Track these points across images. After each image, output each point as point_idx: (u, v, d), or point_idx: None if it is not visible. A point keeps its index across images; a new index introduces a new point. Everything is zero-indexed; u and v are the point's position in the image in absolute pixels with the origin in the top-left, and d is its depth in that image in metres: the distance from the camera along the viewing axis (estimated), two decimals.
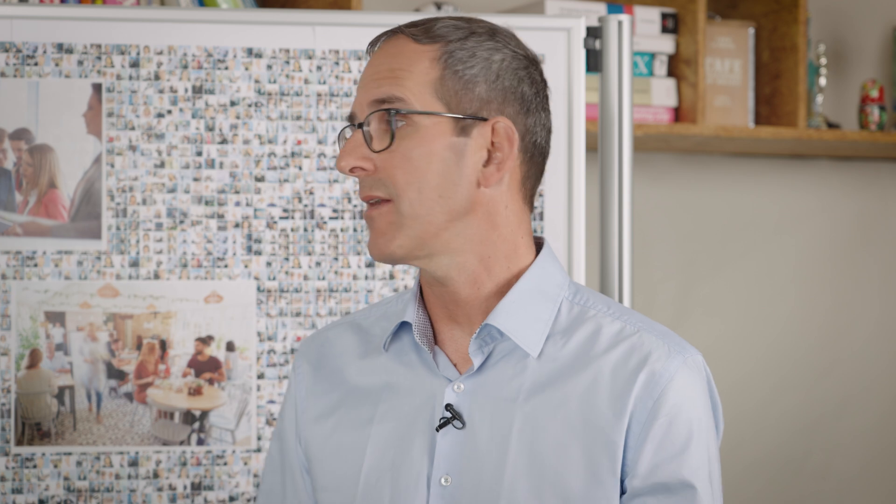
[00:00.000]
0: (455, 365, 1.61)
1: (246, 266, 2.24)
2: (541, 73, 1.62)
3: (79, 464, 2.20)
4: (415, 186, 1.54)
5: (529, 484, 1.55)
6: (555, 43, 2.34)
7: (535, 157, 1.60)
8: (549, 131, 1.62)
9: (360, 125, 1.57)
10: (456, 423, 1.58)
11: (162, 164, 2.23)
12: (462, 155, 1.55)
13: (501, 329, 1.58)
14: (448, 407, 1.59)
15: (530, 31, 2.29)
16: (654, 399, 1.53)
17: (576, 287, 1.64)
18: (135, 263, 2.22)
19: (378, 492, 1.62)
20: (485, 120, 1.56)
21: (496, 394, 1.58)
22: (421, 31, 1.57)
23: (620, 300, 2.36)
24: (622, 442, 1.54)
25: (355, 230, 2.27)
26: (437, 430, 1.59)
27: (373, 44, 1.61)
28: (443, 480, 1.58)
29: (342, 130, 1.63)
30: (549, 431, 1.55)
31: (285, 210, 2.26)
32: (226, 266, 2.24)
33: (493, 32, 1.59)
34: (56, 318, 2.20)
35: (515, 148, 1.56)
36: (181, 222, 2.23)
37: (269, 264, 2.25)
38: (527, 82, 1.59)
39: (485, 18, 1.65)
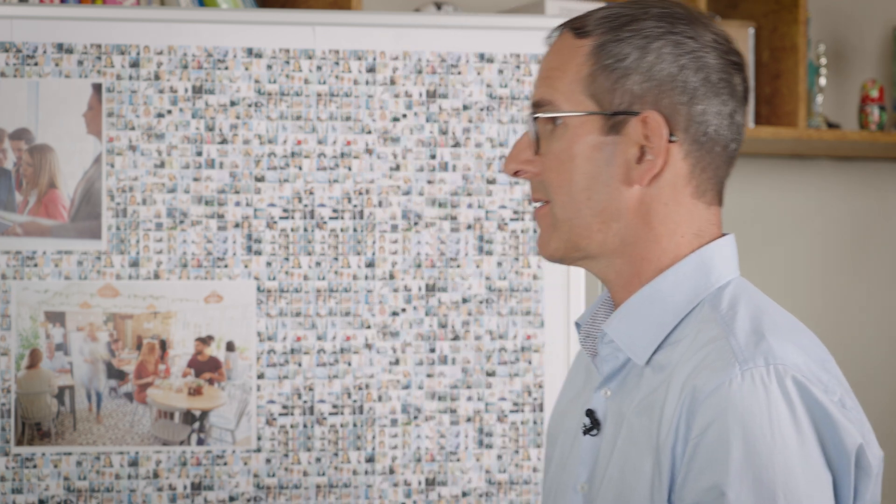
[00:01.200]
0: None
1: (246, 266, 2.24)
2: (720, 55, 1.49)
3: (79, 464, 2.20)
4: (565, 189, 1.48)
5: (613, 501, 1.48)
6: None
7: (707, 146, 1.50)
8: (728, 117, 1.50)
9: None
10: (593, 430, 1.52)
11: (162, 164, 2.23)
12: (613, 153, 1.47)
13: (611, 335, 1.50)
14: (588, 412, 1.53)
15: (530, 31, 2.29)
16: (694, 415, 1.39)
17: (727, 286, 1.52)
18: (135, 263, 2.22)
19: (548, 493, 1.61)
20: (637, 114, 1.46)
21: (621, 402, 1.50)
22: (581, 24, 1.50)
23: None
24: (669, 462, 1.41)
25: (355, 230, 2.27)
26: (584, 435, 1.54)
27: (547, 39, 1.55)
28: (579, 487, 1.53)
29: None
30: (636, 446, 1.46)
31: (285, 210, 2.25)
32: (226, 266, 2.24)
33: (661, 16, 1.48)
34: (56, 318, 2.20)
35: (665, 142, 1.46)
36: (181, 222, 2.23)
37: (269, 264, 2.25)
38: (691, 69, 1.46)
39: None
